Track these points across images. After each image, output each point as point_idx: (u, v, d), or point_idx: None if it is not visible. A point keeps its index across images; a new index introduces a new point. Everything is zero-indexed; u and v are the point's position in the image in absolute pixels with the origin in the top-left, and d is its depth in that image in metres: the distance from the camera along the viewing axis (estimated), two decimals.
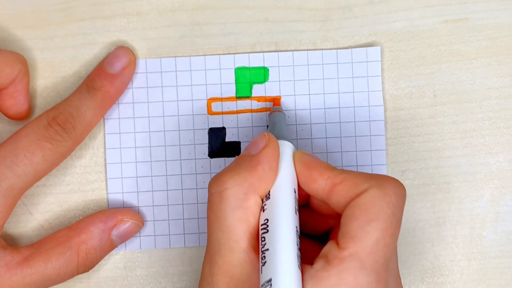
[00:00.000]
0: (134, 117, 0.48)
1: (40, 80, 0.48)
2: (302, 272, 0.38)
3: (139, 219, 0.47)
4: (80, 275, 0.46)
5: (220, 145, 0.48)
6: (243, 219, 0.39)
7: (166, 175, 0.48)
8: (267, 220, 0.39)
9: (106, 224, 0.46)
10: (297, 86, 0.48)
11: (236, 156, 0.42)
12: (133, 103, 0.48)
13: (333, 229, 0.43)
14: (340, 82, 0.48)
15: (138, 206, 0.48)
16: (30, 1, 0.48)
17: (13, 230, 0.48)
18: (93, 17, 0.48)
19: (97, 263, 0.46)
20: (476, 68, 0.49)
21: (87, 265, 0.45)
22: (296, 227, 0.39)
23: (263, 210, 0.40)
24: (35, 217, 0.48)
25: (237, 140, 0.48)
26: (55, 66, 0.48)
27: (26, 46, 0.48)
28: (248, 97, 0.48)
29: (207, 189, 0.48)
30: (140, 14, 0.48)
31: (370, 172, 0.48)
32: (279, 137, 0.43)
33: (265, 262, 0.38)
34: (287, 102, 0.48)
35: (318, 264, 0.38)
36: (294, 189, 0.41)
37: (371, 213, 0.38)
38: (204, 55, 0.48)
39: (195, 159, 0.48)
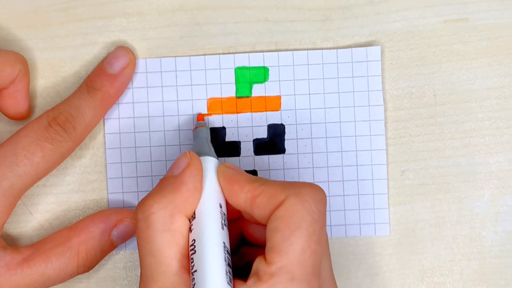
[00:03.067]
0: (134, 117, 0.48)
1: (40, 80, 0.48)
2: None
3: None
4: (80, 275, 0.46)
5: (220, 145, 0.48)
6: (171, 241, 0.39)
7: None
8: (194, 240, 0.39)
9: (106, 224, 0.46)
10: (297, 85, 0.48)
11: (161, 179, 0.42)
12: (133, 103, 0.48)
13: None
14: (340, 81, 0.48)
15: None
16: (30, 1, 0.48)
17: (13, 230, 0.48)
18: (93, 17, 0.48)
19: (97, 263, 0.46)
20: (476, 68, 0.49)
21: (87, 265, 0.45)
22: (224, 243, 0.39)
23: (191, 231, 0.40)
24: (35, 217, 0.48)
25: (237, 140, 0.48)
26: (55, 66, 0.48)
27: (26, 46, 0.48)
28: (248, 97, 0.48)
29: None
30: (140, 14, 0.48)
31: (370, 171, 0.48)
32: (202, 153, 0.42)
33: (195, 283, 0.38)
34: (287, 102, 0.48)
35: (250, 281, 0.38)
36: (220, 204, 0.41)
37: (292, 224, 0.38)
38: (204, 55, 0.48)
39: None
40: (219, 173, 0.42)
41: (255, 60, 0.48)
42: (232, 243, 0.43)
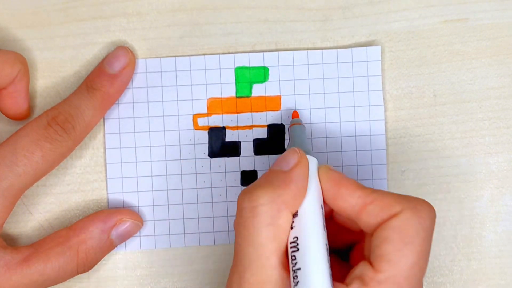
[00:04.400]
0: (134, 117, 0.48)
1: (40, 80, 0.48)
2: None
3: (139, 219, 0.47)
4: (80, 275, 0.46)
5: (220, 145, 0.48)
6: (275, 236, 0.39)
7: (166, 175, 0.48)
8: (297, 238, 0.39)
9: (105, 224, 0.46)
10: (297, 85, 0.48)
11: (267, 170, 0.41)
12: (133, 103, 0.48)
13: (355, 245, 0.43)
14: (340, 81, 0.48)
15: (138, 206, 0.48)
16: (30, 1, 0.48)
17: (13, 230, 0.48)
18: (93, 17, 0.48)
19: (97, 263, 0.46)
20: (476, 68, 0.49)
21: (86, 265, 0.45)
22: (326, 244, 0.39)
23: (292, 228, 0.40)
24: (35, 217, 0.48)
25: (237, 140, 0.48)
26: (55, 66, 0.48)
27: (26, 46, 0.48)
28: (248, 96, 0.48)
29: (207, 189, 0.48)
30: (140, 14, 0.48)
31: (370, 171, 0.48)
32: (305, 152, 0.42)
33: (298, 281, 0.38)
34: (287, 102, 0.48)
35: (354, 285, 0.38)
36: (321, 205, 0.41)
37: (407, 237, 0.38)
38: (204, 54, 0.48)
39: (195, 159, 0.48)
40: (322, 174, 0.41)
41: (255, 60, 0.48)
42: None
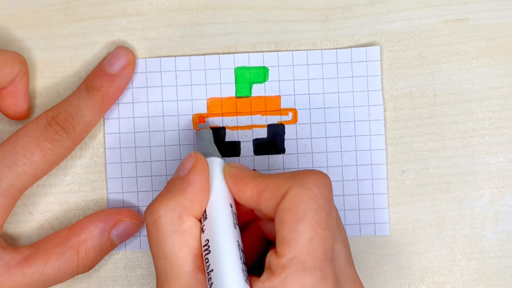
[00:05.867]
0: (133, 117, 0.48)
1: (40, 80, 0.48)
2: (251, 286, 0.38)
3: (139, 219, 0.47)
4: (80, 275, 0.46)
5: (220, 145, 0.48)
6: (182, 242, 0.39)
7: (166, 175, 0.48)
8: (208, 240, 0.39)
9: (105, 224, 0.46)
10: (297, 85, 0.48)
11: (167, 181, 0.42)
12: (132, 103, 0.48)
13: None
14: (340, 81, 0.48)
15: (138, 206, 0.48)
16: (30, 1, 0.48)
17: (13, 230, 0.48)
18: (93, 17, 0.48)
19: (97, 263, 0.46)
20: (476, 68, 0.49)
21: (87, 265, 0.45)
22: (238, 241, 0.39)
23: (203, 231, 0.40)
24: (35, 217, 0.48)
25: (237, 140, 0.48)
26: (55, 66, 0.48)
27: (26, 46, 0.48)
28: (248, 96, 0.48)
29: None
30: (140, 14, 0.48)
31: (370, 171, 0.48)
32: (207, 154, 0.42)
33: (212, 283, 0.38)
34: (287, 102, 0.48)
35: (264, 276, 0.38)
36: (231, 203, 0.41)
37: (298, 213, 0.38)
38: (204, 54, 0.48)
39: None
40: (225, 173, 0.42)
41: (255, 60, 0.48)
42: (257, 243, 0.43)
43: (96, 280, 0.48)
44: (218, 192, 0.41)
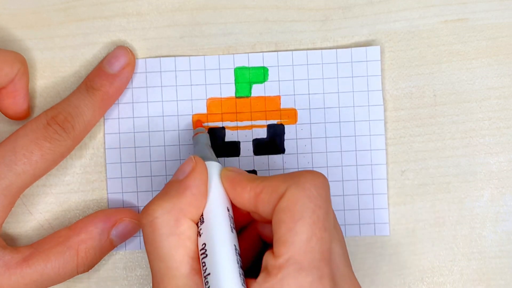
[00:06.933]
0: (133, 117, 0.48)
1: (40, 80, 0.48)
2: None
3: (139, 219, 0.47)
4: (80, 275, 0.46)
5: (220, 145, 0.48)
6: (179, 245, 0.39)
7: (166, 175, 0.48)
8: (205, 244, 0.39)
9: (105, 224, 0.46)
10: (297, 85, 0.48)
11: (165, 183, 0.42)
12: (132, 103, 0.48)
13: None
14: (340, 81, 0.48)
15: (138, 206, 0.48)
16: (30, 1, 0.48)
17: (13, 230, 0.48)
18: (93, 17, 0.48)
19: (96, 263, 0.46)
20: (476, 68, 0.49)
21: (86, 265, 0.45)
22: (235, 245, 0.39)
23: (200, 235, 0.40)
24: (35, 217, 0.48)
25: (236, 140, 0.48)
26: (55, 66, 0.48)
27: (26, 46, 0.48)
28: (248, 97, 0.48)
29: None
30: (140, 14, 0.48)
31: (370, 171, 0.48)
32: (204, 158, 0.42)
33: (209, 286, 0.38)
34: (286, 102, 0.48)
35: (260, 277, 0.38)
36: (228, 207, 0.41)
37: (295, 213, 0.38)
38: (204, 55, 0.48)
39: None
40: (222, 177, 0.42)
41: (255, 60, 0.48)
42: (254, 246, 0.43)
43: (96, 280, 0.48)
44: (215, 196, 0.41)
